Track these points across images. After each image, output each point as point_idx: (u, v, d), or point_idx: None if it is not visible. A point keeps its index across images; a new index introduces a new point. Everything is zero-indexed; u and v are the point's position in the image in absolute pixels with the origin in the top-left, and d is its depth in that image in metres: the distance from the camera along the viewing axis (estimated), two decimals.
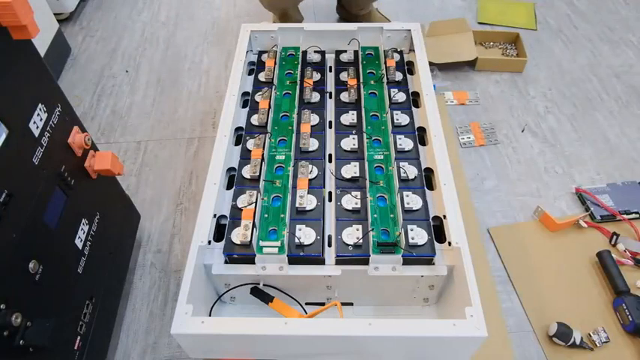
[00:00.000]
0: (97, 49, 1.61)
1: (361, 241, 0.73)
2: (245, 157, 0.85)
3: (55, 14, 1.47)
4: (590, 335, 0.90)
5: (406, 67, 1.03)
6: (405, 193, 0.78)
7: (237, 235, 0.73)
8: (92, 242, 0.82)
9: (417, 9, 1.70)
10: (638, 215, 1.08)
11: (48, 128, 0.71)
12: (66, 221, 0.74)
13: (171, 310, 0.96)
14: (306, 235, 0.74)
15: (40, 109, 0.70)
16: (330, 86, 1.01)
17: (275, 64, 1.02)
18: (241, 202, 0.78)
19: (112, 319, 0.91)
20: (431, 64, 1.44)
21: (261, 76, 1.00)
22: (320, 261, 0.74)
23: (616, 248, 1.02)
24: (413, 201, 0.77)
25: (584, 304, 0.95)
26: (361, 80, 0.99)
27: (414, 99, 0.98)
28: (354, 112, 0.93)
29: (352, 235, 0.75)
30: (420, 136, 0.91)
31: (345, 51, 1.07)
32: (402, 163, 0.82)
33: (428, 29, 1.47)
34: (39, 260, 0.65)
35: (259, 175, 0.81)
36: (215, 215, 0.77)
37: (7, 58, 0.64)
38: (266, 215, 0.77)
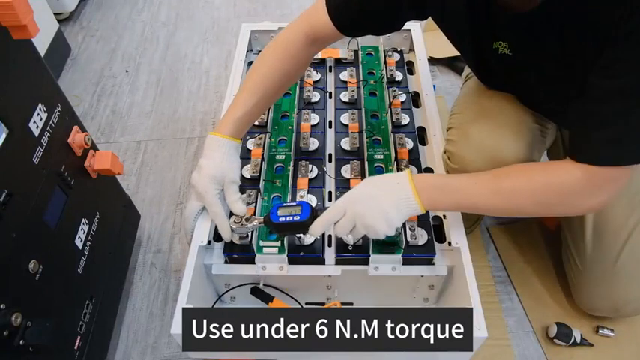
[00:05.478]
0: (97, 49, 1.61)
1: (361, 241, 0.73)
2: (245, 157, 0.85)
3: (55, 14, 1.47)
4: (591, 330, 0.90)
5: (406, 67, 1.03)
6: None
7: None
8: (92, 242, 0.82)
9: None
10: None
11: (48, 128, 0.71)
12: (66, 221, 0.74)
13: (171, 310, 0.96)
14: (306, 234, 0.74)
15: (40, 109, 0.70)
16: (330, 86, 1.01)
17: None
18: None
19: (112, 318, 0.91)
20: (432, 60, 1.44)
21: None
22: (320, 261, 0.73)
23: None
24: None
25: None
26: (361, 80, 0.99)
27: (414, 99, 0.98)
28: (355, 112, 0.93)
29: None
30: (420, 136, 0.91)
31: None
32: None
33: (425, 24, 1.46)
34: (39, 260, 0.65)
35: (259, 175, 0.81)
36: None
37: (7, 58, 0.64)
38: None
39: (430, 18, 0.74)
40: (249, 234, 0.72)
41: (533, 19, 0.59)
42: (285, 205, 0.67)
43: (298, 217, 0.65)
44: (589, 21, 0.55)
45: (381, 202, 0.63)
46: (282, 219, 0.65)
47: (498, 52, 0.68)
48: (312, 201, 0.79)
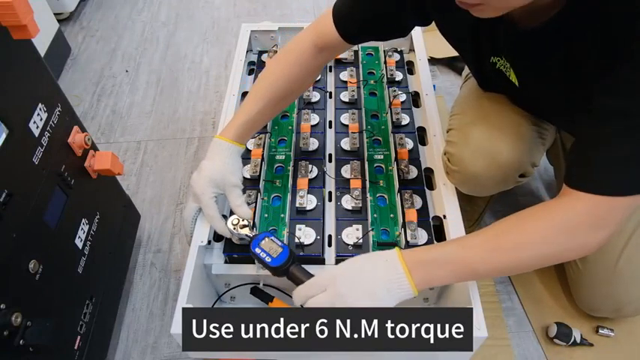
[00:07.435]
0: (97, 49, 1.61)
1: (361, 240, 0.73)
2: (245, 157, 0.85)
3: (55, 14, 1.47)
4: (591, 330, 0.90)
5: (406, 67, 1.03)
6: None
7: None
8: (92, 242, 0.82)
9: None
10: None
11: (48, 128, 0.71)
12: (66, 221, 0.74)
13: (171, 310, 0.96)
14: (306, 234, 0.74)
15: (40, 109, 0.70)
16: (330, 86, 1.01)
17: None
18: None
19: (112, 319, 0.91)
20: (432, 59, 1.44)
21: None
22: (320, 261, 0.73)
23: None
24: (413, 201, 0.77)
25: None
26: (361, 80, 0.99)
27: (414, 99, 0.98)
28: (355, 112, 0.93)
29: (352, 234, 0.75)
30: (420, 136, 0.91)
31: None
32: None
33: None
34: (39, 260, 0.65)
35: (259, 175, 0.81)
36: None
37: (7, 58, 0.64)
38: (266, 215, 0.77)
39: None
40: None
41: (536, 36, 0.58)
42: (273, 238, 0.66)
43: (270, 259, 0.64)
44: (593, 39, 0.53)
45: (367, 281, 0.57)
46: (257, 250, 0.65)
47: (495, 66, 0.68)
48: (312, 202, 0.79)
